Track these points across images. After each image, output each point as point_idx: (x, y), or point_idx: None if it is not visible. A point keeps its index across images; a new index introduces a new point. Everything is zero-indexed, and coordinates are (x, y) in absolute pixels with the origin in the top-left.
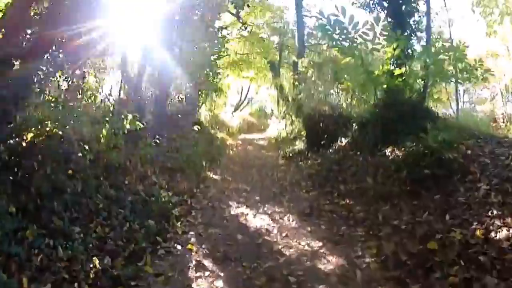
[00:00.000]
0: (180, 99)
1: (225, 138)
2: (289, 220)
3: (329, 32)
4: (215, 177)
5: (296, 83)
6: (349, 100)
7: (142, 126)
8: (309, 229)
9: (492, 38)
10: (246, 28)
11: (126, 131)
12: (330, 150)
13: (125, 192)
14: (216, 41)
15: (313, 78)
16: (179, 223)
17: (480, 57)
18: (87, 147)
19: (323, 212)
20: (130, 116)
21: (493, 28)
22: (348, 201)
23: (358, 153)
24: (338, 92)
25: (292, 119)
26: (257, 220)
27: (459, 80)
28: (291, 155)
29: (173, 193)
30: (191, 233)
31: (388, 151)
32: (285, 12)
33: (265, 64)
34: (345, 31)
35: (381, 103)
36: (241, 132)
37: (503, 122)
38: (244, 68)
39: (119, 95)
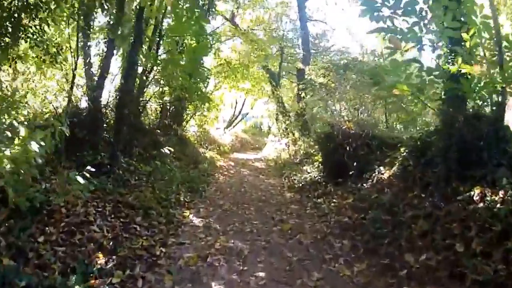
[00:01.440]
0: (159, 111)
1: (215, 158)
2: None
3: (377, 5)
4: (196, 221)
5: (302, 94)
6: (383, 113)
7: (35, 151)
8: None
9: None
10: (242, 31)
11: None
12: (365, 185)
13: (23, 264)
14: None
15: (333, 85)
16: None
17: None
18: None
19: None
20: (22, 131)
21: None
22: None
23: (422, 194)
24: (368, 104)
25: (295, 138)
26: None
27: None
28: (301, 185)
29: (117, 262)
30: None
31: (476, 193)
32: (288, 7)
33: (263, 75)
34: (403, 1)
35: (450, 118)
36: (234, 151)
37: None
38: (240, 79)
39: (69, 101)
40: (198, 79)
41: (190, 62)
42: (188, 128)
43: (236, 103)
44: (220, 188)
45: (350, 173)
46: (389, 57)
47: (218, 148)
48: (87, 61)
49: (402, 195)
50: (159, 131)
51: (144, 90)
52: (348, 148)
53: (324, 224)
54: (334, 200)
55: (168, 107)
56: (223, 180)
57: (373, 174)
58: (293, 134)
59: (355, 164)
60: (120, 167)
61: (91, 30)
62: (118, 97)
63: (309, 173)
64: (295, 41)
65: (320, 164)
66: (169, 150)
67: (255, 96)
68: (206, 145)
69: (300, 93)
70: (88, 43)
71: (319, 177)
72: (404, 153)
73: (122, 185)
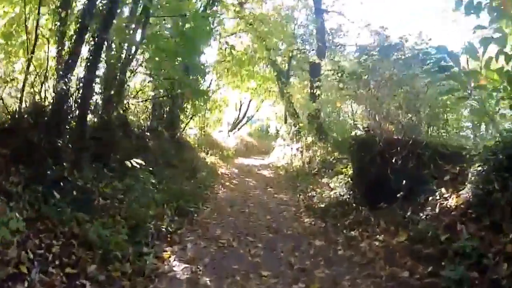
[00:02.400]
0: (148, 110)
1: (217, 164)
2: None
3: None
4: (178, 269)
5: (317, 92)
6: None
7: None
8: None
9: None
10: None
11: None
12: (421, 215)
13: None
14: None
15: (365, 77)
16: None
17: None
18: None
19: None
20: None
21: None
22: None
23: None
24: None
25: (309, 143)
26: None
27: None
28: (323, 206)
29: None
30: None
31: None
32: None
33: (270, 73)
34: None
35: None
36: (238, 156)
37: None
38: (244, 76)
39: (22, 96)
40: (196, 73)
41: (185, 48)
42: (188, 131)
43: (241, 104)
44: (218, 207)
45: (399, 194)
46: (491, 25)
47: (221, 153)
48: (59, 48)
49: (490, 237)
50: (148, 134)
51: (126, 83)
52: (394, 160)
53: (373, 281)
54: (377, 236)
55: (161, 106)
56: (224, 194)
57: (431, 198)
58: (306, 138)
59: (404, 182)
60: (85, 182)
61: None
62: (80, 89)
63: (332, 189)
64: (307, 36)
65: (349, 179)
66: (138, 162)
67: (262, 96)
68: (207, 149)
69: (314, 91)
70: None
71: (348, 196)
72: (481, 170)
73: (84, 208)
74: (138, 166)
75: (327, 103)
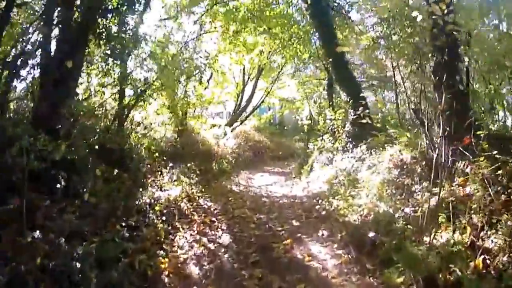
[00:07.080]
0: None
1: (183, 208)
2: None
3: None
4: None
5: None
6: None
7: None
8: None
9: None
10: None
11: None
12: None
13: None
14: None
15: None
16: None
17: None
18: None
19: None
20: None
21: None
22: None
23: None
24: None
25: None
26: None
27: None
28: None
29: None
30: None
31: None
32: None
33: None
34: None
35: None
36: (240, 166)
37: None
38: (249, 20)
39: None
40: None
41: None
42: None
43: (244, 84)
44: None
45: None
46: None
47: (206, 162)
48: None
49: None
50: None
51: None
52: None
53: None
54: None
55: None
56: None
57: None
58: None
59: None
60: None
61: None
62: None
63: None
64: None
65: None
66: None
67: (283, 54)
68: (177, 162)
69: None
70: None
71: None
72: None
73: None
74: None
75: None
